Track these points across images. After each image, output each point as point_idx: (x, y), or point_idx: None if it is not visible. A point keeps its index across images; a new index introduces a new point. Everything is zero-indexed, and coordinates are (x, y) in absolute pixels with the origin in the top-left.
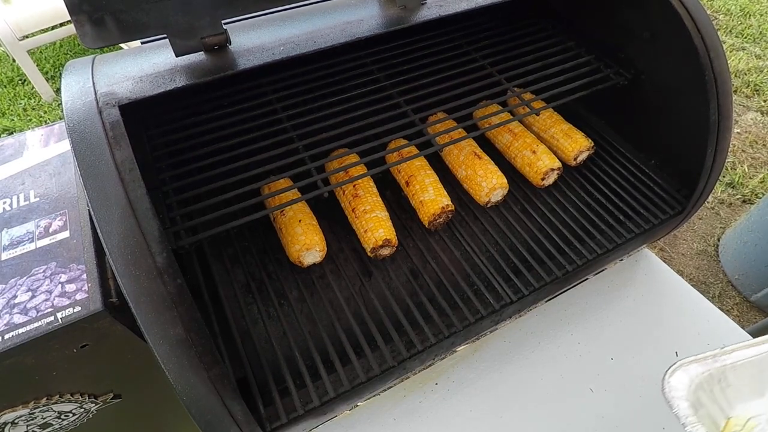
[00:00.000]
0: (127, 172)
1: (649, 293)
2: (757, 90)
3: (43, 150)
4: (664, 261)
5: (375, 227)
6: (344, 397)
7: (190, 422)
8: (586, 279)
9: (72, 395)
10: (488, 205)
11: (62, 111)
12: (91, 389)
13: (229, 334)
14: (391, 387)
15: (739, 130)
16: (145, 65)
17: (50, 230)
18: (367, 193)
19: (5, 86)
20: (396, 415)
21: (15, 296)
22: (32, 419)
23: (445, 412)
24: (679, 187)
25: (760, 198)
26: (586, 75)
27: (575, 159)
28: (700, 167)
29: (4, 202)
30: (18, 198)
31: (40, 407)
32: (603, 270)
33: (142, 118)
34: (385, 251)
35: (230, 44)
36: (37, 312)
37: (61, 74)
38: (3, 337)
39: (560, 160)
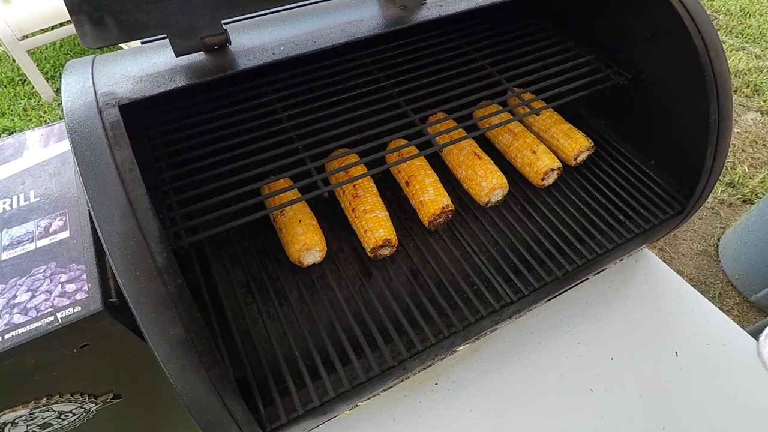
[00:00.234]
0: (127, 172)
1: (649, 293)
2: (757, 90)
3: (43, 150)
4: (664, 261)
5: (375, 227)
6: (344, 397)
7: (190, 422)
8: (586, 279)
9: (72, 395)
10: (488, 205)
11: (62, 111)
12: (91, 389)
13: (229, 334)
14: (391, 387)
15: (739, 130)
16: (145, 65)
17: (50, 230)
18: (367, 193)
19: (5, 86)
20: (396, 415)
21: (15, 296)
22: (32, 419)
23: (445, 412)
24: (679, 187)
25: (760, 198)
26: (586, 75)
27: (575, 159)
28: (700, 167)
29: (4, 202)
30: (18, 198)
31: (40, 407)
32: (603, 270)
33: (142, 118)
34: (385, 251)
35: (230, 44)
36: (37, 312)
37: (61, 74)
38: (3, 337)
39: (560, 160)
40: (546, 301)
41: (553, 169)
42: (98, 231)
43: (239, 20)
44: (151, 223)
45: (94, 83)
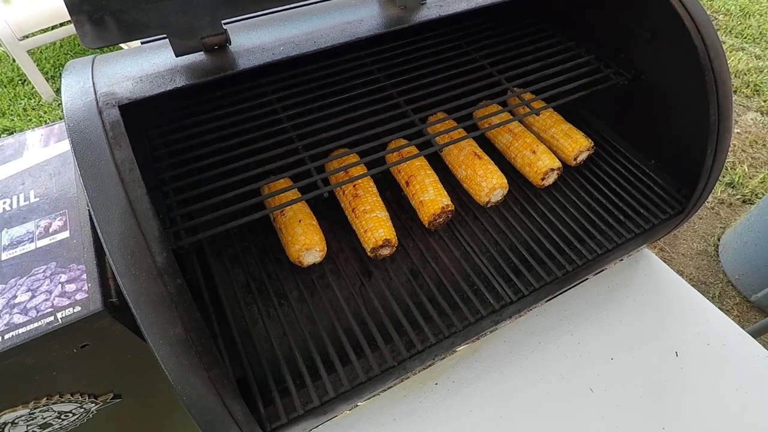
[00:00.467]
0: (127, 172)
1: (649, 293)
2: (757, 90)
3: (43, 150)
4: (664, 261)
5: (375, 227)
6: (344, 397)
7: (190, 422)
8: (586, 279)
9: (72, 395)
10: (488, 205)
11: (62, 111)
12: (91, 389)
13: (229, 334)
14: (391, 387)
15: (739, 130)
16: (145, 65)
17: (50, 230)
18: (367, 193)
19: (5, 86)
20: (396, 415)
21: (15, 296)
22: (32, 419)
23: (444, 412)
24: (679, 187)
25: (760, 198)
26: (586, 75)
27: (575, 159)
28: (700, 167)
29: (4, 202)
30: (18, 198)
31: (40, 407)
32: (603, 270)
33: (142, 118)
34: (385, 251)
35: (230, 44)
36: (37, 312)
37: (61, 74)
38: (3, 337)
39: (560, 160)
40: (546, 301)
41: (553, 169)
42: (98, 231)
43: (239, 20)
44: (151, 223)
45: (94, 83)
